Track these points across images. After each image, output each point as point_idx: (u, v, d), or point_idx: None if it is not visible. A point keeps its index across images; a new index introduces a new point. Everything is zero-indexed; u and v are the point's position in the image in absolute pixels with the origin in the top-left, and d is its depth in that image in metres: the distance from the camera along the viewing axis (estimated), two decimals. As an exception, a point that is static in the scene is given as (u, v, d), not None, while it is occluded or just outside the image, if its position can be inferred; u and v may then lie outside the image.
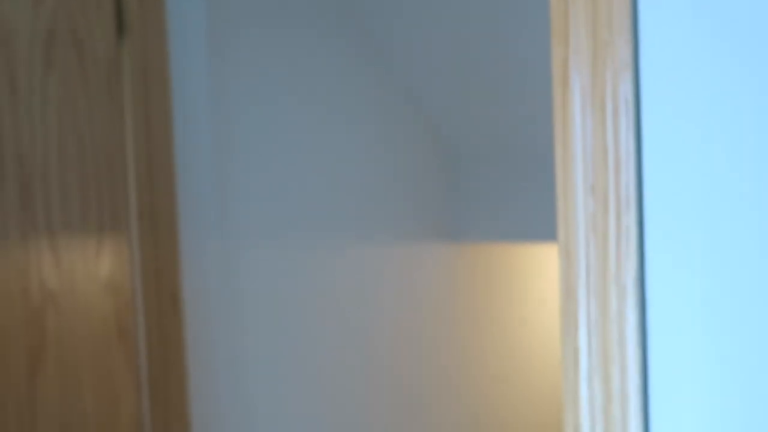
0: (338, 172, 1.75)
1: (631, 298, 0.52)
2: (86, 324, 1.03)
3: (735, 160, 0.47)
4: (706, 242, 0.49)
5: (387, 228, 1.90)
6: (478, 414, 2.34)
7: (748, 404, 0.48)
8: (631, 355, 0.52)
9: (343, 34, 1.76)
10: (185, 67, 1.37)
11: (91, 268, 1.06)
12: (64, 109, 1.04)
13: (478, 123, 2.06)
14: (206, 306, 1.37)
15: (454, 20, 1.68)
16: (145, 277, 1.19)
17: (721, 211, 0.48)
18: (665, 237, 0.51)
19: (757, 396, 0.48)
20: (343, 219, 1.74)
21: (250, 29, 1.50)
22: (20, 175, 0.97)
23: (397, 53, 1.87)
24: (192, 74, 1.37)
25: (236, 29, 1.48)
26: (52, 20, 1.03)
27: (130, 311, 1.14)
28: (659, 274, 0.51)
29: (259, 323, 1.49)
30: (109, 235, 1.11)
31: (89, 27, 1.08)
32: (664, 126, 0.51)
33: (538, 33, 1.54)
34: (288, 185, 1.59)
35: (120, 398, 1.12)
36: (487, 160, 2.17)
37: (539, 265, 2.74)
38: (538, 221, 2.10)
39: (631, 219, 0.52)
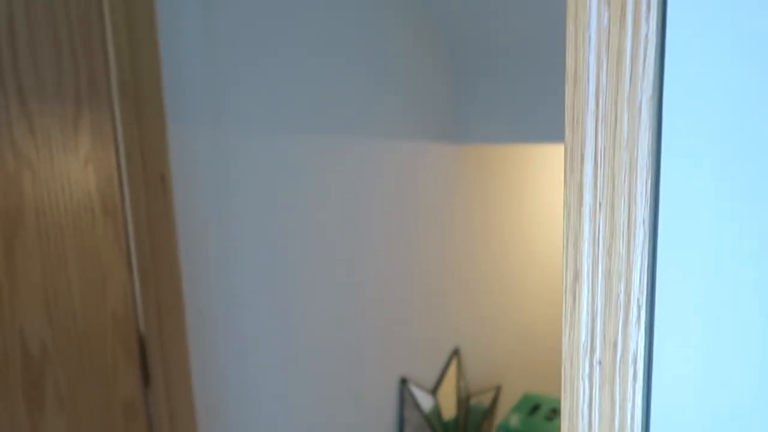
0: (339, 67, 1.66)
1: (646, 121, 0.46)
2: (67, 196, 0.99)
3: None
4: (734, 55, 0.43)
5: (387, 125, 1.83)
6: (476, 309, 2.36)
7: (764, 237, 0.44)
8: (640, 186, 0.47)
9: None
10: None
11: (69, 140, 1.00)
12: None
13: (481, 26, 1.96)
14: (197, 191, 1.33)
15: None
16: (130, 156, 1.14)
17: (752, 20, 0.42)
18: (688, 48, 0.45)
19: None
20: (342, 112, 1.67)
21: None
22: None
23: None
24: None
25: None
26: None
27: (115, 188, 1.09)
28: (678, 91, 0.45)
29: (251, 211, 1.45)
30: (88, 108, 1.05)
31: None
32: None
33: None
34: (286, 76, 1.51)
35: (108, 276, 1.09)
36: (489, 63, 2.08)
37: (539, 166, 2.69)
38: (539, 123, 2.03)
39: (650, 29, 0.45)
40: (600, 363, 0.53)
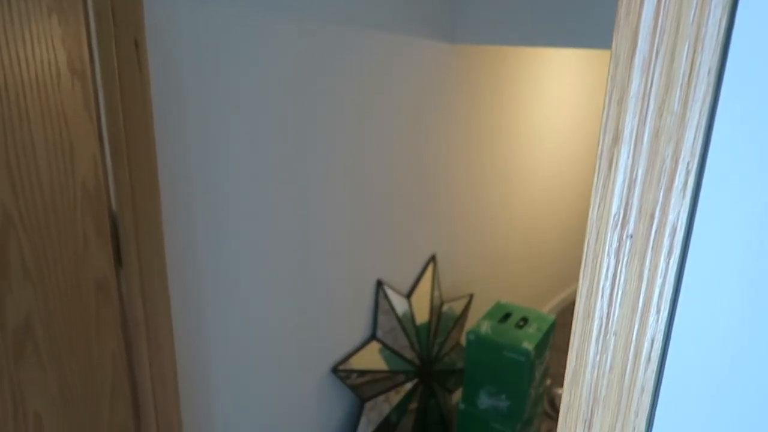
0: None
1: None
2: (28, 47, 0.88)
3: None
4: None
5: (379, 15, 1.70)
6: (454, 218, 2.34)
7: None
8: (711, 27, 0.41)
9: None
10: None
11: (30, -16, 0.88)
12: None
13: None
14: (176, 68, 1.22)
15: None
16: (99, 14, 1.02)
17: None
18: None
19: None
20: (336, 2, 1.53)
21: None
22: None
23: None
24: None
25: None
26: None
27: (83, 46, 0.98)
28: None
29: (232, 95, 1.35)
30: (51, -50, 0.92)
31: None
32: None
33: None
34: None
35: (76, 143, 1.01)
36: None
37: (528, 76, 2.60)
38: (535, 25, 1.93)
39: None
40: (631, 236, 0.48)
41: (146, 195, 1.14)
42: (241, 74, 1.35)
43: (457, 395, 2.62)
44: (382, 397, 2.01)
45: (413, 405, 2.13)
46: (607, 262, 0.50)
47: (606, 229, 0.50)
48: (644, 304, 0.49)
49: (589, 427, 0.56)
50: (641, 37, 0.44)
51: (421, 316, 2.15)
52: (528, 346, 2.00)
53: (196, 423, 1.44)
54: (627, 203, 0.48)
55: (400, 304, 2.06)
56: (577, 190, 3.40)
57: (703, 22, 0.41)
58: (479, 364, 2.10)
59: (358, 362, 1.94)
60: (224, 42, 1.30)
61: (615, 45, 0.46)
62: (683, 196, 0.45)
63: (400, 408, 2.07)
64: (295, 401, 1.77)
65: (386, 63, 1.77)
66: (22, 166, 0.91)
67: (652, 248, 0.47)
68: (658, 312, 0.48)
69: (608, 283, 0.51)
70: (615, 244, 0.50)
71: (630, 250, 0.49)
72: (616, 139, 0.47)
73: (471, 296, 2.44)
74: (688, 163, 0.44)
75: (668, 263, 0.47)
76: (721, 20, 0.40)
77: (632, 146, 0.46)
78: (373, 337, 2.02)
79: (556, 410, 2.60)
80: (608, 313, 0.52)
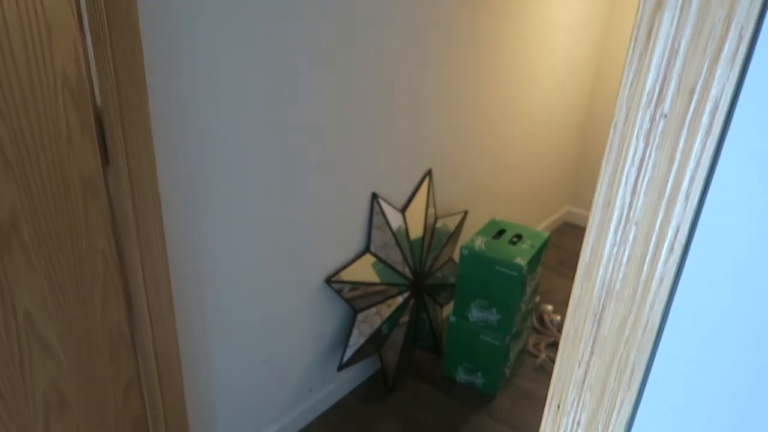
0: None
1: None
2: None
3: None
4: None
5: None
6: (452, 133, 2.28)
7: None
8: None
9: None
10: None
11: None
12: None
13: None
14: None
15: None
16: None
17: None
18: None
19: None
20: None
21: None
22: None
23: None
24: None
25: None
26: None
27: None
28: None
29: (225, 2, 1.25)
30: None
31: None
32: None
33: None
34: None
35: (54, 27, 0.93)
36: None
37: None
38: None
39: None
40: (666, 116, 0.44)
41: (132, 88, 1.07)
42: (232, -37, 1.25)
43: (448, 309, 2.66)
44: (374, 310, 2.03)
45: (405, 318, 2.15)
46: (635, 145, 0.47)
47: (637, 108, 0.46)
48: (672, 191, 0.46)
49: (599, 322, 0.54)
50: None
51: (415, 231, 2.14)
52: (520, 261, 2.01)
53: (189, 326, 1.44)
54: (665, 78, 0.44)
55: (394, 219, 2.04)
56: (576, 110, 3.33)
57: None
58: (471, 278, 2.11)
59: (352, 275, 1.95)
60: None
61: None
62: (731, 67, 0.40)
63: (392, 320, 2.10)
64: (289, 312, 1.78)
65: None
66: (-4, 46, 0.84)
67: (688, 128, 0.43)
68: (686, 199, 0.45)
69: (634, 168, 0.47)
70: (646, 125, 0.46)
71: (662, 131, 0.45)
72: (659, 5, 0.42)
73: (465, 213, 2.42)
74: (741, 28, 0.39)
75: (704, 145, 0.43)
76: None
77: (678, 10, 0.41)
78: (367, 250, 2.01)
79: (545, 325, 2.65)
80: (631, 202, 0.48)
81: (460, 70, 2.18)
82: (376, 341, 2.07)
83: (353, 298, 1.97)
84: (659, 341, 0.51)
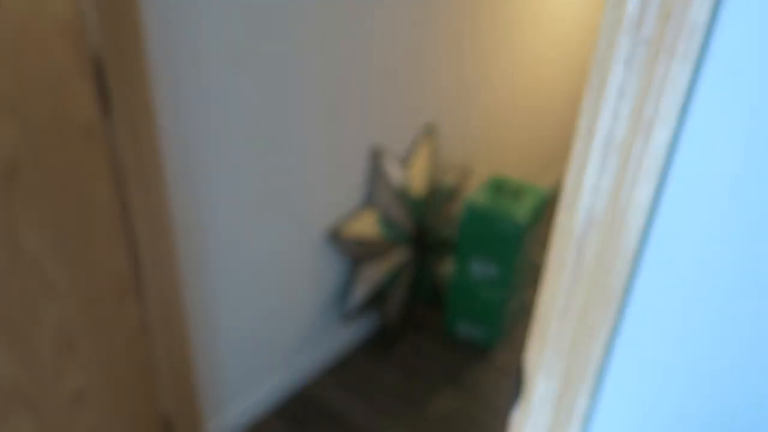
0: None
1: None
2: None
3: None
4: None
5: None
6: (453, 88, 2.27)
7: None
8: None
9: None
10: None
11: None
12: None
13: None
14: None
15: None
16: None
17: None
18: None
19: None
20: None
21: None
22: None
23: None
24: None
25: None
26: None
27: None
28: None
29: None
30: None
31: None
32: None
33: None
34: None
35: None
36: None
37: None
38: None
39: None
40: (646, 41, 0.45)
41: (129, 34, 1.07)
42: None
43: (448, 265, 2.70)
44: (375, 266, 2.06)
45: (405, 274, 2.19)
46: (614, 71, 0.47)
47: (617, 34, 0.46)
48: (651, 118, 0.47)
49: (581, 249, 0.56)
50: None
51: (417, 187, 2.16)
52: (521, 217, 2.03)
53: (194, 273, 1.48)
54: (645, 2, 0.44)
55: (396, 175, 2.06)
56: (578, 66, 3.30)
57: None
58: (472, 234, 2.14)
59: (353, 230, 1.97)
60: None
61: None
62: (708, -11, 0.41)
63: (393, 276, 2.13)
64: (290, 266, 1.81)
65: None
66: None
67: (668, 53, 0.44)
68: (664, 126, 0.46)
69: (614, 91, 0.48)
70: (624, 52, 0.46)
71: (645, 56, 0.45)
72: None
73: (467, 169, 2.43)
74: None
75: (683, 68, 0.44)
76: None
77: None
78: (368, 205, 2.03)
79: (544, 282, 2.68)
80: (612, 128, 0.50)
81: (462, 28, 2.15)
82: (377, 295, 2.11)
83: (354, 254, 2.00)
84: (638, 269, 0.53)
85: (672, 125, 0.46)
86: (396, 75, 1.93)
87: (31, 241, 1.08)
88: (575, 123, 3.52)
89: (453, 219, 2.42)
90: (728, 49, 0.42)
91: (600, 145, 0.51)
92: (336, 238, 1.93)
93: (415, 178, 2.16)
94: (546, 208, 2.22)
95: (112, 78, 1.07)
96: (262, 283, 1.74)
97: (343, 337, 2.19)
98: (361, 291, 2.05)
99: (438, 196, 2.28)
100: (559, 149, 3.48)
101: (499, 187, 2.24)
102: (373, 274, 2.08)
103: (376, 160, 1.99)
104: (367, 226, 2.02)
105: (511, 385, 0.63)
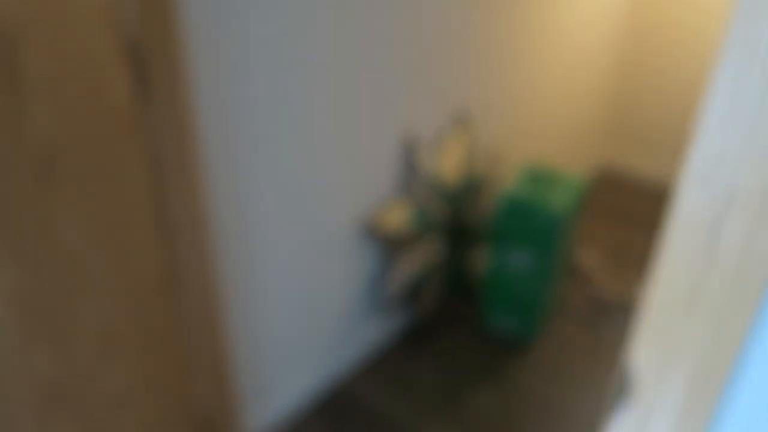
0: None
1: None
2: None
3: None
4: None
5: None
6: (487, 78, 2.20)
7: None
8: None
9: None
10: None
11: None
12: None
13: None
14: None
15: None
16: None
17: None
18: None
19: None
20: None
21: None
22: None
23: None
24: None
25: None
26: None
27: None
28: None
29: None
30: None
31: None
32: None
33: None
34: None
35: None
36: None
37: None
38: None
39: None
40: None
41: (167, 22, 1.02)
42: None
43: (480, 257, 2.63)
44: (408, 257, 2.00)
45: (440, 265, 2.12)
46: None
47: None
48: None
49: (714, 233, 0.49)
50: None
51: (451, 177, 2.09)
52: (560, 208, 1.95)
53: (233, 263, 1.42)
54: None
55: (429, 165, 1.99)
56: (612, 53, 3.20)
57: None
58: (508, 225, 2.07)
59: (387, 221, 1.91)
60: None
61: None
62: None
63: (427, 268, 2.07)
64: (326, 258, 1.76)
65: None
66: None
67: None
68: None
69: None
70: None
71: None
72: None
73: (498, 157, 2.36)
74: None
75: None
76: None
77: None
78: (402, 196, 1.97)
79: (581, 271, 2.61)
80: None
81: (496, 8, 2.08)
82: (411, 289, 2.05)
83: (388, 245, 1.94)
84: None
85: None
86: (431, 69, 1.86)
87: (69, 232, 1.03)
88: (608, 108, 3.43)
89: (485, 209, 2.35)
90: None
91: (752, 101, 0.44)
92: (370, 230, 1.87)
93: (448, 167, 2.09)
94: (583, 197, 2.14)
95: (151, 66, 1.01)
96: (298, 277, 1.69)
97: (379, 332, 2.13)
98: (396, 281, 1.99)
99: (473, 187, 2.21)
100: (597, 139, 3.39)
101: (534, 176, 2.16)
102: (407, 266, 2.02)
103: (408, 150, 1.92)
104: (400, 217, 1.96)
105: (615, 385, 0.56)
